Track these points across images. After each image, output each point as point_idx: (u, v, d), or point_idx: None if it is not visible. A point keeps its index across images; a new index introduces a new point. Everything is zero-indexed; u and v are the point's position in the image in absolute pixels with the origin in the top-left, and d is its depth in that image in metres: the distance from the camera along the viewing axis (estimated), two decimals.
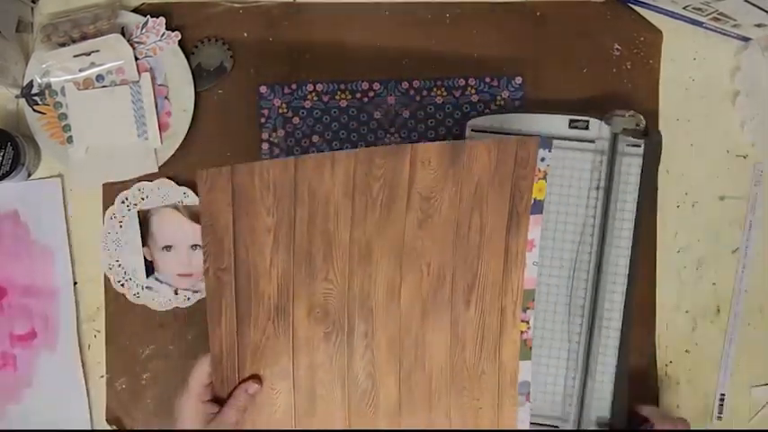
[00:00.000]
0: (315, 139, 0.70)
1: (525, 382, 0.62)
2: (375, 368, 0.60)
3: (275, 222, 0.56)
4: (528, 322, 0.62)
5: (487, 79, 0.70)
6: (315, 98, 0.70)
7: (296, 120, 0.70)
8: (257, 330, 0.58)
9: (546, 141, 0.59)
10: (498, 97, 0.70)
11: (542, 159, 0.59)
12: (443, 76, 0.70)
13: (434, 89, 0.69)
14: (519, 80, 0.70)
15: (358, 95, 0.70)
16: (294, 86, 0.70)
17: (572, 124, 0.69)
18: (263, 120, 0.71)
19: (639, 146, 0.68)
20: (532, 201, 0.59)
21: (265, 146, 0.71)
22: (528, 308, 0.62)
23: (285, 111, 0.70)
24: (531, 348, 0.62)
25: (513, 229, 0.59)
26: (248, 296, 0.57)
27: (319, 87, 0.70)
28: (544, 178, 0.60)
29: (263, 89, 0.70)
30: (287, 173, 0.55)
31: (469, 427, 0.61)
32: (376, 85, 0.69)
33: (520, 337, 0.61)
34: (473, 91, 0.69)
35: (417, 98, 0.69)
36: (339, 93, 0.70)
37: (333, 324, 0.59)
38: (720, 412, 0.72)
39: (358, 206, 0.57)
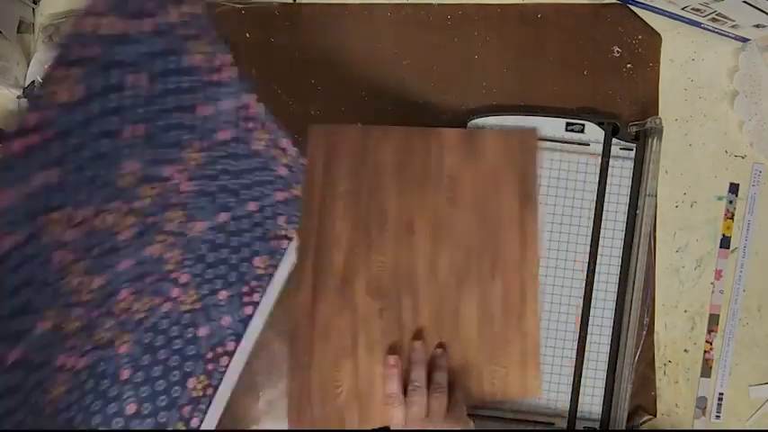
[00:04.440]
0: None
1: None
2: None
3: (347, 187, 0.59)
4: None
5: (303, 161, 0.59)
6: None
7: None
8: (328, 304, 0.59)
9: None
10: (296, 186, 0.60)
11: None
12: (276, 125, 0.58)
13: (262, 130, 0.56)
14: None
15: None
16: None
17: (568, 127, 0.70)
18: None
19: (632, 149, 0.70)
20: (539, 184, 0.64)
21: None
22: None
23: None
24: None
25: (525, 209, 0.63)
26: (324, 263, 0.58)
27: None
28: None
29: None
30: (367, 138, 0.60)
31: (498, 393, 0.63)
32: (225, 74, 0.51)
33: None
34: (285, 160, 0.58)
35: (248, 125, 0.54)
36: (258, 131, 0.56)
37: (386, 300, 0.60)
38: (719, 412, 0.72)
39: (404, 182, 0.61)
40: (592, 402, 0.70)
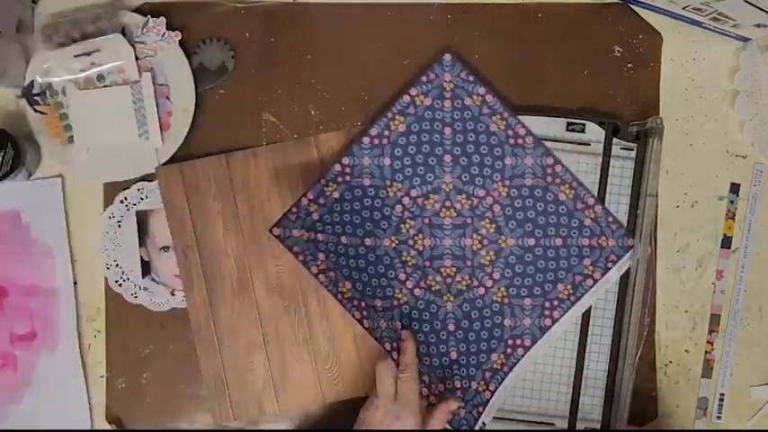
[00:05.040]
0: (446, 131, 0.69)
1: None
2: (333, 332, 0.70)
3: (221, 207, 0.70)
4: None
5: (611, 218, 0.69)
6: (478, 102, 0.69)
7: (447, 104, 0.69)
8: (227, 305, 0.70)
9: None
10: (604, 239, 0.69)
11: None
12: (581, 185, 0.69)
13: (565, 185, 0.69)
14: (630, 241, 0.69)
15: (509, 132, 0.69)
16: (471, 78, 0.69)
17: (569, 127, 0.70)
18: (424, 79, 0.69)
19: (633, 149, 0.69)
20: None
21: (406, 98, 0.69)
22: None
23: (447, 89, 0.69)
24: None
25: None
26: (213, 272, 0.70)
27: (489, 99, 0.69)
28: None
29: (446, 57, 0.69)
30: (222, 166, 0.70)
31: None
32: (529, 140, 0.69)
33: None
34: (592, 214, 0.69)
35: (548, 179, 0.69)
36: (498, 117, 0.69)
37: (289, 299, 0.70)
38: (720, 412, 0.72)
39: (285, 190, 0.70)
40: (592, 402, 0.70)
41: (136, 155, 0.70)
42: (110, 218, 0.71)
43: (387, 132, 0.69)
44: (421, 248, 0.69)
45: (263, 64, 0.72)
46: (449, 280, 0.69)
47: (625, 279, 0.70)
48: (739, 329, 0.73)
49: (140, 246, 0.71)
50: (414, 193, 0.69)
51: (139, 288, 0.71)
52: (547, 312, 0.69)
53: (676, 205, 0.73)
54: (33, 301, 0.71)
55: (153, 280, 0.71)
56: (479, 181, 0.69)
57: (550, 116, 0.70)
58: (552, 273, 0.69)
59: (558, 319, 0.69)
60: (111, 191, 0.71)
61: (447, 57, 0.69)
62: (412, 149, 0.69)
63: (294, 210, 0.68)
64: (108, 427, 0.71)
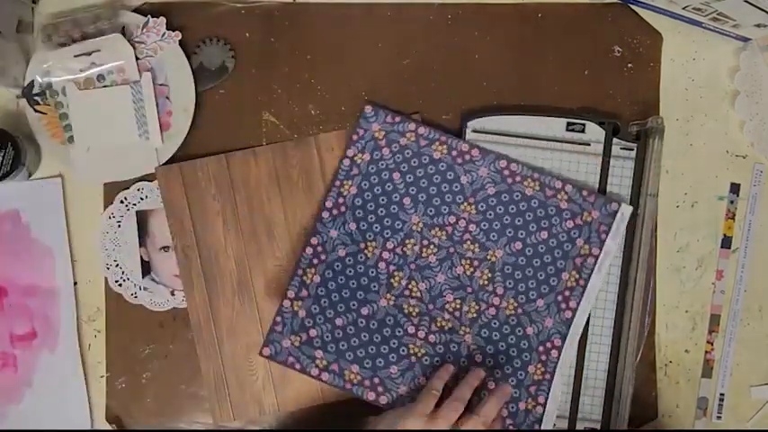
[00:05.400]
0: (395, 176, 0.69)
1: None
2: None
3: (221, 206, 0.70)
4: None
5: (584, 192, 0.68)
6: (413, 138, 0.69)
7: (386, 151, 0.69)
8: (227, 305, 0.70)
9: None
10: (586, 213, 0.68)
11: None
12: (542, 173, 0.68)
13: (529, 179, 0.68)
14: (614, 206, 0.68)
15: (454, 153, 0.69)
16: (398, 119, 0.69)
17: (569, 127, 0.70)
18: (355, 137, 0.70)
19: (633, 149, 0.69)
20: None
21: (346, 162, 0.70)
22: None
23: (380, 138, 0.69)
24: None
25: None
26: (213, 272, 0.70)
27: (421, 130, 0.69)
28: None
29: (368, 109, 0.70)
30: (221, 166, 0.70)
31: None
32: (475, 152, 0.69)
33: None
34: (565, 197, 0.68)
35: (509, 180, 0.69)
36: (437, 143, 0.69)
37: None
38: (720, 412, 0.72)
39: (284, 190, 0.70)
40: (592, 403, 0.69)
41: (136, 155, 0.70)
42: (110, 218, 0.71)
43: (341, 200, 0.69)
44: (419, 294, 0.68)
45: (263, 64, 0.72)
46: (457, 314, 0.68)
47: (625, 279, 0.70)
48: (739, 329, 0.73)
49: (140, 246, 0.71)
50: (390, 245, 0.68)
51: (139, 288, 0.71)
52: (563, 305, 0.68)
53: (676, 205, 0.73)
54: (33, 301, 0.71)
55: (153, 280, 0.71)
56: (445, 209, 0.69)
57: (550, 116, 0.70)
58: (551, 266, 0.68)
59: (576, 308, 0.68)
60: (111, 191, 0.71)
61: (368, 108, 0.70)
62: (371, 206, 0.69)
63: (278, 320, 0.68)
64: (108, 427, 0.71)
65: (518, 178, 0.69)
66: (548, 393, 0.68)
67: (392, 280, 0.68)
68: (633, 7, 0.73)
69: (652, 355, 0.72)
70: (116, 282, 0.71)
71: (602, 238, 0.68)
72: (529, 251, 0.68)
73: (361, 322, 0.68)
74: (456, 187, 0.69)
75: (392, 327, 0.68)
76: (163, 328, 0.71)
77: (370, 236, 0.69)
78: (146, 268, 0.71)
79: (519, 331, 0.68)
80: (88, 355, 0.72)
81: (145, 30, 0.70)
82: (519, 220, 0.68)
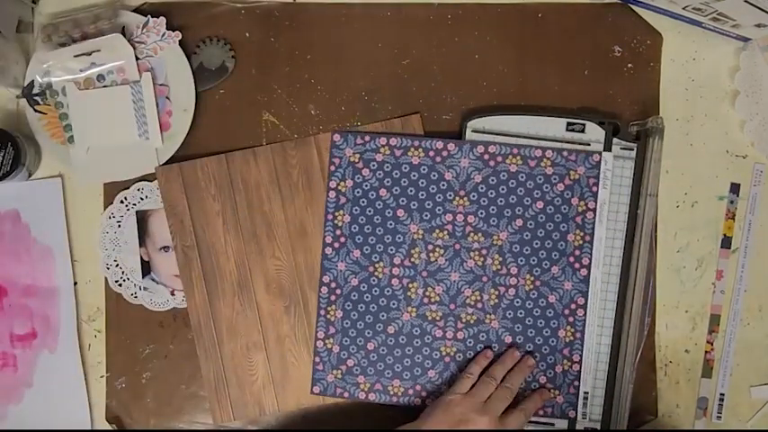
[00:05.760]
0: (382, 192, 0.70)
1: None
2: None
3: (221, 206, 0.70)
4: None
5: (565, 153, 0.69)
6: (387, 152, 0.70)
7: (366, 171, 0.70)
8: (227, 305, 0.70)
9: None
10: (573, 172, 0.69)
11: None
12: (520, 145, 0.69)
13: (510, 157, 0.69)
14: (596, 157, 0.69)
15: (431, 153, 0.70)
16: (368, 138, 0.70)
17: (569, 127, 0.70)
18: (333, 168, 0.70)
19: (633, 149, 0.69)
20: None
21: (332, 194, 0.70)
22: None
23: (356, 161, 0.70)
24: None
25: None
26: (213, 272, 0.70)
27: (393, 141, 0.70)
28: None
29: (336, 137, 0.70)
30: (221, 166, 0.71)
31: None
32: (451, 146, 0.69)
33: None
34: (548, 163, 0.69)
35: (491, 163, 0.69)
36: (412, 149, 0.70)
37: (289, 298, 0.71)
38: (720, 412, 0.72)
39: (284, 190, 0.70)
40: (592, 402, 0.69)
41: (136, 155, 0.71)
42: (110, 218, 0.71)
43: (338, 232, 0.70)
44: (438, 298, 0.70)
45: (263, 64, 0.72)
46: (480, 305, 0.69)
47: (625, 279, 0.70)
48: (739, 329, 0.72)
49: (140, 246, 0.71)
50: (397, 260, 0.70)
51: (139, 288, 0.71)
52: (577, 265, 0.69)
53: (676, 205, 0.73)
54: (33, 301, 0.71)
55: (153, 280, 0.71)
56: (439, 210, 0.69)
57: (550, 116, 0.70)
58: (555, 232, 0.69)
59: (589, 264, 0.69)
60: (111, 191, 0.71)
61: (336, 137, 0.70)
62: (368, 228, 0.70)
63: (316, 360, 0.70)
64: (108, 427, 0.71)
65: (499, 158, 0.69)
66: (581, 351, 0.69)
67: (409, 293, 0.70)
68: (633, 7, 0.73)
69: (652, 355, 0.72)
70: (116, 282, 0.71)
71: (594, 190, 0.69)
72: (530, 224, 0.69)
73: (391, 341, 0.70)
74: (443, 185, 0.70)
75: (420, 336, 0.70)
76: (163, 328, 0.71)
77: (375, 257, 0.70)
78: (146, 268, 0.71)
79: (542, 302, 0.69)
80: (88, 355, 0.72)
81: (145, 30, 0.70)
82: (513, 198, 0.69)
